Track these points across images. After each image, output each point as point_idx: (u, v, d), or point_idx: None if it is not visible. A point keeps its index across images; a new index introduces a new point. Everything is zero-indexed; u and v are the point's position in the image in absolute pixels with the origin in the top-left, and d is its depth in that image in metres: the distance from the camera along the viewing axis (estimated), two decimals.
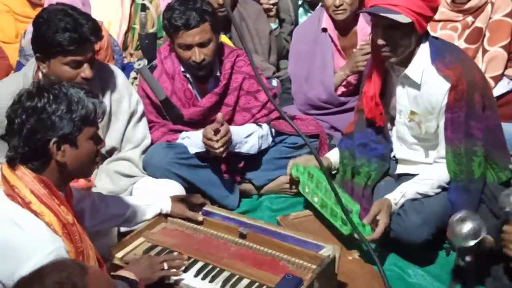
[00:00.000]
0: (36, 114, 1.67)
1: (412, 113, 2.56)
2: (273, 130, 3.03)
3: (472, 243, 2.03)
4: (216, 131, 2.68)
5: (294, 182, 2.85)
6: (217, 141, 2.67)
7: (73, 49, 2.30)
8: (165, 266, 2.01)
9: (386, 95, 2.67)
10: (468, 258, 2.08)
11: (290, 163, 2.79)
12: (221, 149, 2.69)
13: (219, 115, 2.70)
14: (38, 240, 1.64)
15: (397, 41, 2.40)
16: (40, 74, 2.48)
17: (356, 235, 2.29)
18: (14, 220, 1.65)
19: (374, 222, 2.38)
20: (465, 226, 2.04)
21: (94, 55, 2.43)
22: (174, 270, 2.03)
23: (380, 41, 2.42)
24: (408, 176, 2.62)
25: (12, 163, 1.71)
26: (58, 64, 2.34)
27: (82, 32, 2.30)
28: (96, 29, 2.37)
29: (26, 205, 1.67)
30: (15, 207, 1.67)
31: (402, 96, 2.59)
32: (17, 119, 1.68)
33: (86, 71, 2.36)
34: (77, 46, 2.30)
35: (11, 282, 1.60)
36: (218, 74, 2.92)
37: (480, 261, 2.13)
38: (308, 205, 2.97)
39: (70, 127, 1.70)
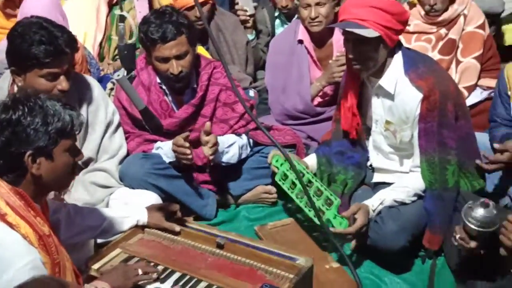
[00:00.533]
0: (10, 126, 1.66)
1: (388, 122, 2.59)
2: (251, 140, 3.04)
3: (491, 228, 2.04)
4: (186, 138, 2.68)
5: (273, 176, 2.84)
6: (188, 147, 2.68)
7: (48, 61, 2.28)
8: (140, 271, 2.00)
9: (362, 105, 2.70)
10: (472, 244, 2.08)
11: (271, 152, 2.79)
12: (211, 158, 2.72)
13: (207, 124, 2.72)
14: (14, 252, 1.61)
15: (366, 55, 2.45)
16: (15, 87, 2.46)
17: (332, 228, 2.35)
18: None
19: (352, 221, 2.40)
20: (488, 211, 2.05)
21: (70, 67, 2.41)
22: (148, 276, 2.02)
23: (350, 55, 2.48)
24: (384, 184, 2.65)
25: None
26: (34, 77, 2.32)
27: (58, 44, 2.29)
28: (71, 41, 2.36)
29: (1, 217, 1.65)
30: None
31: (378, 106, 2.63)
32: None
33: (62, 84, 2.34)
34: (53, 58, 2.29)
35: None
36: (195, 85, 2.93)
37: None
38: (285, 214, 3.00)
39: (45, 140, 1.68)
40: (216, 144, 2.73)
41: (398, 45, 2.54)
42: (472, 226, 2.05)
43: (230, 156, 2.92)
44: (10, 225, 1.65)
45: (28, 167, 1.68)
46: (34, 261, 1.62)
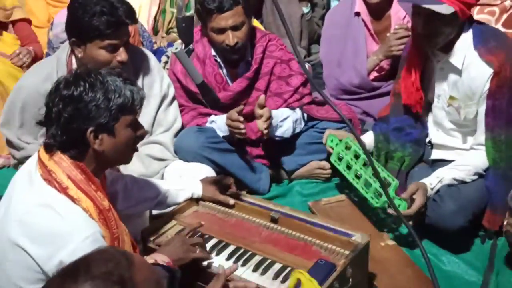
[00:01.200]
0: (72, 103, 1.66)
1: (451, 98, 2.50)
2: (305, 115, 3.00)
3: None
4: (240, 113, 2.66)
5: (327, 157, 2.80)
6: (242, 122, 2.66)
7: (109, 32, 2.30)
8: (198, 250, 1.98)
9: (425, 79, 2.61)
10: None
11: (326, 132, 2.73)
12: (265, 132, 2.69)
13: (261, 97, 2.69)
14: (75, 225, 1.63)
15: (438, 30, 2.35)
16: (73, 58, 2.49)
17: (390, 210, 2.29)
18: (51, 205, 1.65)
19: (410, 201, 2.34)
20: None
21: (128, 39, 2.43)
22: (207, 253, 2.01)
23: (421, 30, 2.38)
24: (443, 162, 2.58)
25: (49, 149, 1.71)
26: (94, 48, 2.34)
27: (119, 15, 2.31)
28: (131, 12, 2.37)
29: (63, 190, 1.67)
30: (52, 192, 1.67)
31: (442, 81, 2.54)
32: (55, 108, 1.67)
33: (122, 55, 2.37)
34: (114, 29, 2.31)
35: (48, 266, 1.61)
36: (249, 58, 2.90)
37: None
38: (339, 191, 2.95)
39: (107, 116, 1.68)
40: (270, 118, 2.70)
41: (469, 18, 2.43)
42: None
43: (284, 130, 2.89)
44: (72, 199, 1.67)
45: (90, 143, 1.69)
46: (95, 235, 1.64)
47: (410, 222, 2.41)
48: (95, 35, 2.30)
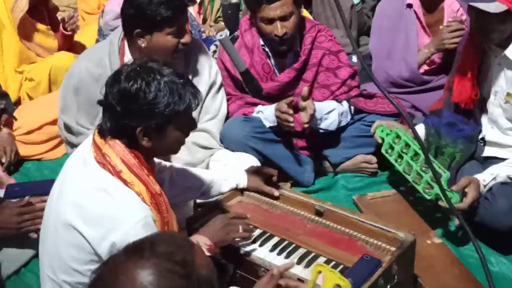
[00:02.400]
0: (127, 100, 1.66)
1: (509, 95, 2.44)
2: (352, 107, 2.96)
3: None
4: (290, 105, 2.64)
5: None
6: (291, 114, 2.63)
7: (178, 18, 2.34)
8: (241, 228, 1.97)
9: (481, 75, 2.54)
10: None
11: (376, 123, 2.68)
12: (306, 126, 2.66)
13: (305, 89, 2.66)
14: (128, 208, 1.66)
15: (491, 27, 2.30)
16: (125, 43, 2.52)
17: (442, 202, 2.24)
18: (105, 188, 1.67)
19: (462, 195, 2.28)
20: None
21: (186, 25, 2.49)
22: (248, 234, 2.00)
23: (474, 27, 2.34)
24: (495, 159, 2.50)
25: (102, 133, 1.73)
26: (162, 36, 2.38)
27: None
28: None
29: (116, 173, 1.69)
30: (106, 175, 1.69)
31: (499, 77, 2.47)
32: (111, 97, 1.68)
33: (187, 37, 2.42)
34: (181, 13, 2.36)
35: (101, 247, 1.64)
36: (298, 49, 2.87)
37: None
38: (385, 186, 2.90)
39: (158, 120, 1.67)
40: (313, 110, 2.67)
41: None
42: None
43: (329, 123, 2.85)
44: (125, 182, 1.69)
45: (138, 140, 1.70)
46: (146, 218, 1.66)
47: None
48: (166, 22, 2.33)
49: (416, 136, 1.95)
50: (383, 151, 2.61)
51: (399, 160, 2.55)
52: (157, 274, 1.06)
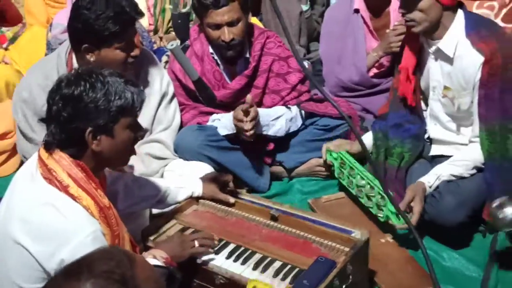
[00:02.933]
0: (72, 102, 1.66)
1: (446, 88, 2.50)
2: (303, 112, 2.99)
3: None
4: (246, 112, 2.66)
5: (327, 166, 2.83)
6: (247, 122, 2.65)
7: (126, 33, 2.32)
8: (196, 244, 1.99)
9: (421, 72, 2.62)
10: None
11: (323, 148, 2.75)
12: (251, 132, 2.67)
13: (248, 97, 2.68)
14: (76, 223, 1.64)
15: (418, 16, 2.37)
16: (73, 56, 2.49)
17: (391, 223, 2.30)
18: (52, 204, 1.66)
19: (409, 208, 2.34)
20: (507, 211, 1.99)
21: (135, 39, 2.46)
22: (204, 248, 2.02)
23: (400, 10, 2.42)
24: (442, 158, 2.57)
25: (49, 147, 1.71)
26: (110, 50, 2.35)
27: (129, 13, 2.33)
28: (136, 5, 2.40)
29: (63, 188, 1.67)
30: (53, 190, 1.68)
31: (436, 72, 2.54)
32: (55, 106, 1.68)
33: (136, 50, 2.40)
34: (130, 28, 2.34)
35: (50, 264, 1.62)
36: (247, 55, 2.90)
37: None
38: (339, 188, 2.95)
39: (106, 118, 1.67)
40: (255, 117, 2.66)
41: (461, 7, 2.44)
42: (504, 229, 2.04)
43: (276, 129, 2.87)
44: (73, 197, 1.67)
45: (88, 143, 1.69)
46: (96, 232, 1.65)
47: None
48: (114, 37, 2.31)
49: (360, 142, 2.00)
50: (336, 175, 2.69)
51: (350, 184, 2.62)
52: None
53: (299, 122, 2.98)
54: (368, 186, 2.47)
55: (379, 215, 2.45)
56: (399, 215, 2.31)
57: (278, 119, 2.86)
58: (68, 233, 1.62)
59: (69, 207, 1.66)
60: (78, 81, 1.68)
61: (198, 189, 2.32)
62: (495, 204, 2.08)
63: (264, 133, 2.83)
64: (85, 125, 1.67)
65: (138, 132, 1.82)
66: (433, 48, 2.49)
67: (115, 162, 1.85)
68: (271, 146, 2.95)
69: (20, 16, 3.90)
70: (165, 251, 1.85)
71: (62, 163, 1.69)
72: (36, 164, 1.74)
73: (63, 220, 1.64)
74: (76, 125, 1.67)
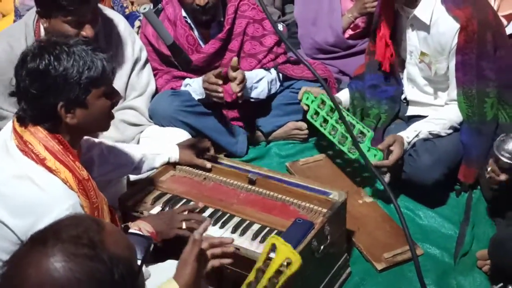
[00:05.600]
0: (39, 78, 1.59)
1: (422, 54, 2.51)
2: (280, 75, 2.98)
3: None
4: (218, 75, 2.63)
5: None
6: (220, 85, 2.63)
7: (72, 9, 2.22)
8: (184, 225, 1.95)
9: (397, 36, 2.61)
10: (503, 177, 2.08)
11: (302, 89, 2.72)
12: (239, 95, 2.66)
13: (234, 59, 2.65)
14: (55, 196, 1.61)
15: None
16: (41, 24, 2.42)
17: (363, 159, 2.28)
18: (29, 177, 1.62)
19: (388, 153, 2.36)
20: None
21: (96, 16, 2.35)
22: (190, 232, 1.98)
23: None
24: (419, 118, 2.59)
25: (22, 122, 1.66)
26: (58, 22, 2.26)
27: None
28: None
29: (40, 161, 1.63)
30: (29, 163, 1.64)
31: (412, 37, 2.54)
32: (22, 82, 1.61)
33: (87, 31, 2.27)
34: (77, 7, 2.23)
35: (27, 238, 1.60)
36: (221, 19, 2.85)
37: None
38: (316, 151, 2.96)
39: (76, 90, 1.61)
40: (243, 80, 2.67)
41: None
42: (504, 159, 2.04)
43: (259, 91, 2.87)
44: (50, 170, 1.64)
45: (62, 117, 1.64)
46: (74, 205, 1.62)
47: (388, 176, 2.43)
48: (57, 10, 2.21)
49: (334, 102, 1.99)
50: (308, 117, 2.68)
51: (324, 124, 2.61)
52: (64, 261, 1.01)
53: (278, 84, 2.97)
54: (348, 122, 2.43)
55: (351, 152, 2.46)
56: (377, 155, 2.36)
57: (260, 81, 2.85)
58: (46, 207, 1.59)
59: (46, 180, 1.63)
60: (42, 54, 1.60)
61: (174, 155, 2.30)
62: (501, 137, 2.10)
63: (247, 95, 2.81)
64: (56, 99, 1.60)
65: (114, 98, 1.76)
66: (409, 15, 2.48)
67: (94, 130, 1.81)
68: (248, 110, 2.93)
69: None
70: (152, 226, 1.83)
71: (38, 136, 1.64)
72: (10, 135, 1.69)
73: (41, 194, 1.61)
74: (47, 101, 1.61)
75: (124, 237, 1.15)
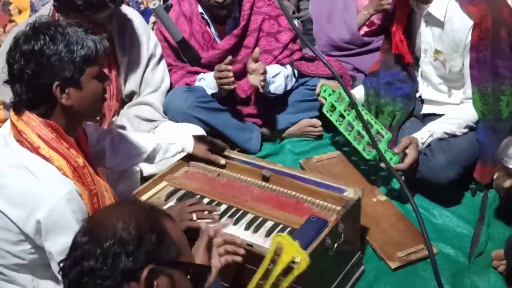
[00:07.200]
0: (34, 58, 1.61)
1: (437, 52, 2.48)
2: (295, 71, 2.97)
3: None
4: (229, 63, 2.62)
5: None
6: (230, 70, 2.62)
7: (89, 14, 2.23)
8: (194, 217, 1.96)
9: (412, 34, 2.59)
10: (508, 183, 2.06)
11: (320, 82, 2.71)
12: (260, 86, 2.65)
13: (256, 51, 2.64)
14: (50, 184, 1.62)
15: None
16: (56, 16, 2.43)
17: (381, 162, 2.31)
18: (25, 166, 1.64)
19: (403, 155, 2.34)
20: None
21: (111, 19, 2.37)
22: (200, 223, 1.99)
23: None
24: (434, 116, 2.57)
25: (17, 108, 1.68)
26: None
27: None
28: None
29: (35, 150, 1.65)
30: (25, 152, 1.66)
31: (427, 35, 2.52)
32: (16, 64, 1.63)
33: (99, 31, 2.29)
34: (96, 10, 2.24)
35: (27, 227, 1.62)
36: (237, 15, 2.85)
37: None
38: (330, 148, 2.94)
39: (71, 69, 1.63)
40: (265, 72, 2.66)
41: None
42: (509, 165, 2.01)
43: (276, 86, 2.85)
44: (44, 158, 1.65)
45: (57, 98, 1.65)
46: (71, 193, 1.63)
47: (402, 177, 2.42)
48: (74, 11, 2.22)
49: (351, 100, 1.97)
50: (324, 110, 2.65)
51: (340, 119, 2.59)
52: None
53: (293, 81, 2.96)
54: (366, 121, 2.40)
55: (366, 152, 2.44)
56: (393, 158, 2.34)
57: (277, 76, 2.84)
58: (42, 195, 1.61)
59: (42, 169, 1.64)
60: (36, 35, 1.62)
61: (188, 145, 2.27)
62: (506, 141, 2.08)
63: (266, 90, 2.80)
64: (51, 79, 1.62)
65: (105, 82, 1.78)
66: (423, 12, 2.46)
67: (86, 115, 1.81)
68: (263, 106, 2.92)
69: None
70: None
71: (32, 124, 1.66)
72: (9, 127, 1.71)
73: (37, 182, 1.62)
74: (42, 81, 1.62)
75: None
